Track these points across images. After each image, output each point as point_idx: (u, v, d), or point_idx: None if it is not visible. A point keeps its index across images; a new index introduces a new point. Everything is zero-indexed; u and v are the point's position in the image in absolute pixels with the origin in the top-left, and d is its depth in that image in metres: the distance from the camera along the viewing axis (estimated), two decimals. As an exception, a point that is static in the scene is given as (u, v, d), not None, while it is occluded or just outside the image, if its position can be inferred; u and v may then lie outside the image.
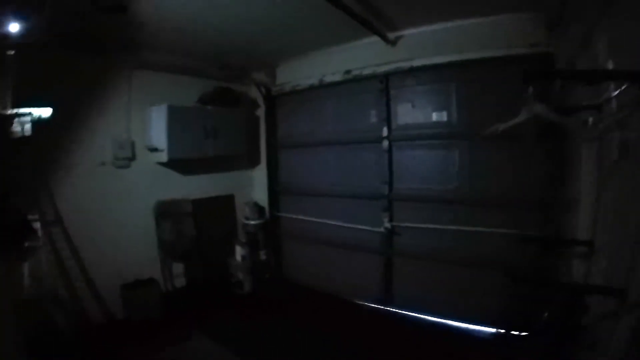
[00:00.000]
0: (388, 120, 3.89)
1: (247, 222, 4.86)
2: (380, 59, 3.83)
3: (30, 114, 2.14)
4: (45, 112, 2.17)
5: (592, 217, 2.28)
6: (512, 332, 3.23)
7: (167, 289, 4.11)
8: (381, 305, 4.05)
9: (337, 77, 4.14)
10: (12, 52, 2.38)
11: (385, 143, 3.87)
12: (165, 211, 4.14)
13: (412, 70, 3.71)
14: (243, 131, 4.73)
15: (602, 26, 2.13)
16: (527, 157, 3.24)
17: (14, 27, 2.28)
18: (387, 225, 3.85)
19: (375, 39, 3.68)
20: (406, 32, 3.67)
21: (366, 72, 3.93)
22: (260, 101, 5.08)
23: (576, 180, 2.61)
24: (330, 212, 4.40)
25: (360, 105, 4.14)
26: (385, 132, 3.88)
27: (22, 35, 2.32)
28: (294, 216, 4.83)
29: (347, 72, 4.05)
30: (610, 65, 1.91)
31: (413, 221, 3.78)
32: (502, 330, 3.32)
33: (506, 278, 2.25)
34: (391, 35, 3.69)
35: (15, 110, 2.33)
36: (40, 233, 2.72)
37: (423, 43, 3.64)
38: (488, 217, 3.41)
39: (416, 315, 3.84)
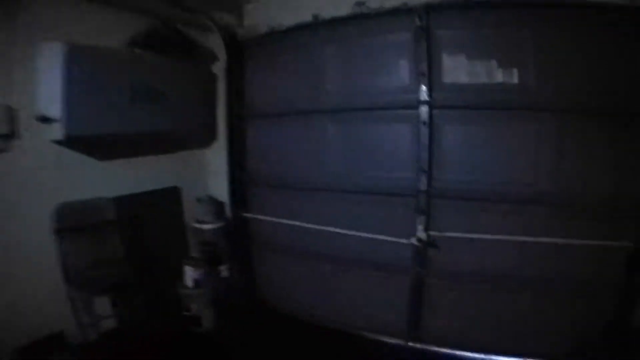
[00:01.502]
0: (429, 76, 2.74)
1: (200, 226, 3.56)
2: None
3: None
4: None
5: None
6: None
7: (86, 339, 2.71)
8: (406, 342, 3.07)
9: (343, 11, 2.92)
10: None
11: (424, 110, 2.75)
12: (73, 220, 2.70)
13: (466, 6, 2.64)
14: (196, 93, 3.34)
15: None
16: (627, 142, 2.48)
17: None
18: (422, 235, 2.79)
19: None
20: None
21: (390, 3, 2.76)
22: (221, 52, 3.64)
23: None
24: (332, 213, 3.25)
25: (383, 55, 2.98)
26: (424, 93, 2.74)
27: None
28: (273, 219, 3.57)
29: (359, 3, 2.85)
30: None
31: (461, 229, 2.77)
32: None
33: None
34: None
35: None
36: None
37: None
38: (577, 223, 2.55)
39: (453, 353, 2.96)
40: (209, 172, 3.93)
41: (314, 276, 3.49)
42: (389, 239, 2.95)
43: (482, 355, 2.84)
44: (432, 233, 2.82)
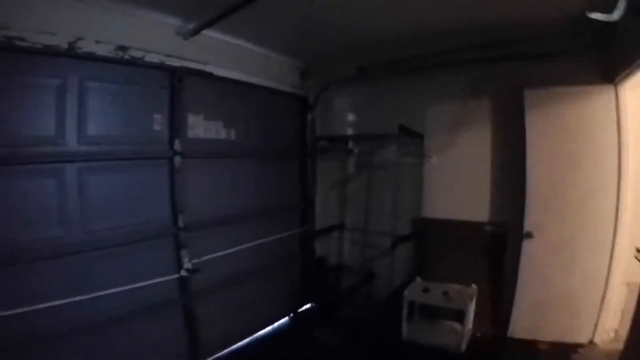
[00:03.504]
0: (180, 130, 3.53)
1: None
2: (170, 50, 3.40)
3: None
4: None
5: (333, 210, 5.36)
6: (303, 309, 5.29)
7: None
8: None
9: (104, 51, 2.95)
10: None
11: (178, 160, 3.47)
12: None
13: (208, 77, 3.74)
14: None
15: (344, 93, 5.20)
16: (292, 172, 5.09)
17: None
18: (189, 265, 3.47)
19: (165, 19, 3.36)
20: (205, 31, 3.49)
21: (152, 58, 3.26)
22: None
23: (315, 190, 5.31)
24: (83, 278, 2.93)
25: (140, 105, 3.31)
26: (178, 145, 3.48)
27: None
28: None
29: (122, 48, 3.05)
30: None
31: (213, 251, 3.81)
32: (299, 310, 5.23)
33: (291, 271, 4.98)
34: (186, 26, 3.45)
35: None
36: None
37: (218, 51, 3.87)
38: (274, 224, 4.67)
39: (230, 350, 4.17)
40: None
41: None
42: (160, 279, 3.33)
43: (247, 340, 4.21)
44: (194, 261, 3.57)
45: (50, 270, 2.75)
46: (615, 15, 2.48)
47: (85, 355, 2.96)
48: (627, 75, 3.28)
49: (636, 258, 1.96)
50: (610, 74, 3.57)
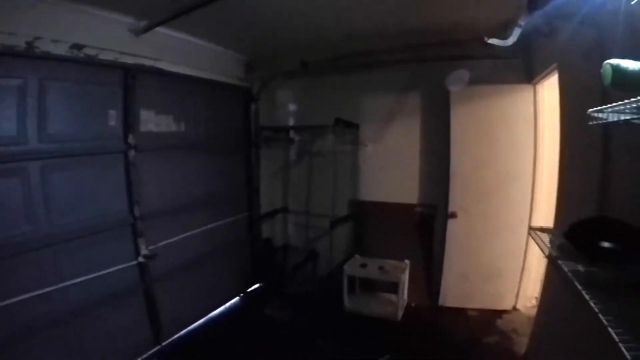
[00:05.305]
0: (133, 125, 3.88)
1: None
2: (123, 47, 3.73)
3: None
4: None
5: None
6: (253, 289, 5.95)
7: None
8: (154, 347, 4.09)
9: (61, 50, 3.24)
10: None
11: (132, 153, 3.85)
12: None
13: (159, 73, 4.12)
14: None
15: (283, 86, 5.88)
16: (238, 161, 5.57)
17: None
18: (146, 252, 3.88)
19: (118, 17, 3.70)
20: (157, 28, 3.85)
21: (106, 56, 3.56)
22: None
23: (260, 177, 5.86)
24: (51, 271, 3.26)
25: (95, 101, 3.64)
26: (132, 139, 3.84)
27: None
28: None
29: (78, 46, 3.34)
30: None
31: (168, 237, 4.25)
32: (249, 290, 5.87)
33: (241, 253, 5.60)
34: (138, 24, 3.80)
35: None
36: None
37: (169, 47, 4.28)
38: (220, 210, 5.13)
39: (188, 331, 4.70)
40: None
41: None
42: (121, 266, 3.71)
43: (203, 320, 4.74)
44: (151, 247, 3.98)
45: (20, 265, 3.06)
46: (510, 42, 3.10)
47: (56, 346, 3.33)
48: (543, 77, 4.04)
49: (529, 235, 2.58)
50: (529, 75, 4.38)
